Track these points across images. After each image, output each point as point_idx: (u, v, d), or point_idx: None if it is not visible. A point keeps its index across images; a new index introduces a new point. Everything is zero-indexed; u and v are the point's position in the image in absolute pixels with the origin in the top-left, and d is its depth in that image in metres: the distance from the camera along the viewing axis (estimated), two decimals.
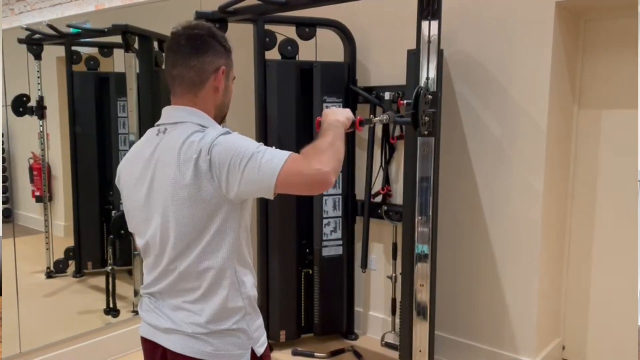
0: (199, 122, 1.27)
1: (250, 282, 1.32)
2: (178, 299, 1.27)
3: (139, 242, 1.35)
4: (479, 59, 2.76)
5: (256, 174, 1.15)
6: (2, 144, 2.97)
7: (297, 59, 3.07)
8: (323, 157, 1.20)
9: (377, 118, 1.75)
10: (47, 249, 3.16)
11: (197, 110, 1.28)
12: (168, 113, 1.32)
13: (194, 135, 1.22)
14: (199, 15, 2.78)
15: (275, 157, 1.16)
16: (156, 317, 1.30)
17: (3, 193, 2.98)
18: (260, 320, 1.35)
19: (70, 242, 3.27)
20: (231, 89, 1.37)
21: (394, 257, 3.09)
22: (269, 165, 1.15)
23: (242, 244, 1.30)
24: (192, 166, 1.19)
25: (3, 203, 2.96)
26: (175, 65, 1.28)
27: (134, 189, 1.32)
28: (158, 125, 1.33)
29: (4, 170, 3.00)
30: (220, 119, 1.35)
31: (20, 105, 2.93)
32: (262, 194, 1.20)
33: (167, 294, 1.29)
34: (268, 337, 1.40)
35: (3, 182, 3.00)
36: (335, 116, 1.38)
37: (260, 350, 1.32)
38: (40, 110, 3.01)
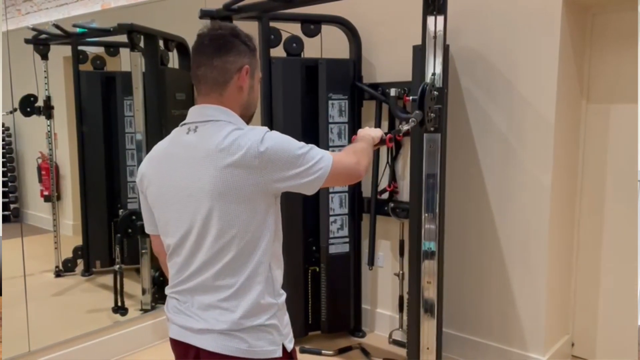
0: (231, 120, 1.28)
1: (280, 278, 1.34)
2: (211, 296, 1.26)
3: (168, 241, 1.33)
4: (486, 54, 2.74)
5: (309, 172, 1.25)
6: (10, 144, 2.99)
7: (302, 56, 3.06)
8: (358, 155, 1.42)
9: (406, 127, 1.86)
10: (56, 248, 3.19)
11: (226, 109, 1.29)
12: (197, 112, 1.31)
13: (234, 133, 1.22)
14: (204, 13, 2.78)
15: (324, 158, 1.28)
16: (186, 319, 1.29)
17: (11, 193, 3.00)
18: (287, 316, 1.37)
19: (79, 241, 3.29)
20: (257, 88, 1.37)
21: (401, 254, 3.08)
22: (321, 164, 1.27)
23: (277, 239, 1.32)
24: (236, 163, 1.19)
25: (12, 203, 2.99)
26: (199, 65, 1.29)
27: (162, 187, 1.31)
28: (186, 124, 1.32)
29: (12, 170, 3.03)
30: (246, 118, 1.35)
31: (27, 106, 2.95)
32: (306, 190, 1.29)
33: (200, 291, 1.27)
34: None
35: (11, 182, 3.02)
36: (368, 132, 1.66)
37: (290, 346, 1.33)
38: (47, 110, 3.03)
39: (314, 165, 1.25)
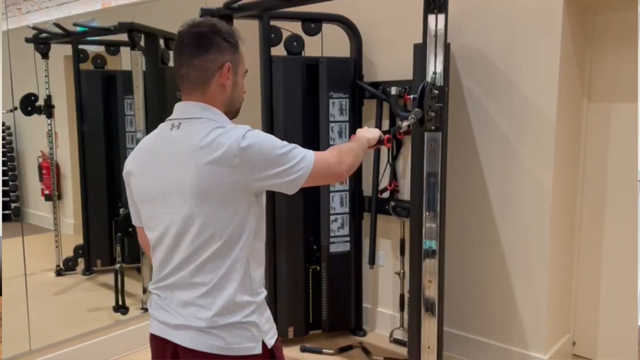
0: (214, 118, 1.28)
1: (260, 276, 1.34)
2: (188, 293, 1.26)
3: (150, 235, 1.34)
4: (487, 53, 2.74)
5: (289, 172, 1.25)
6: (11, 143, 2.99)
7: (302, 54, 3.06)
8: (342, 155, 1.41)
9: (405, 123, 1.81)
10: (57, 247, 3.18)
11: (210, 106, 1.29)
12: (181, 109, 1.32)
13: (216, 131, 1.22)
14: (204, 12, 2.78)
15: (306, 157, 1.28)
16: (165, 314, 1.30)
17: (12, 192, 3.00)
18: (268, 313, 1.36)
19: (80, 240, 3.29)
20: (241, 83, 1.37)
21: (402, 253, 3.08)
22: (302, 164, 1.26)
23: (258, 238, 1.31)
24: (217, 161, 1.19)
25: (12, 202, 2.99)
26: (180, 65, 1.30)
27: (145, 183, 1.32)
28: (171, 120, 1.32)
29: (13, 169, 3.03)
30: (231, 114, 1.35)
31: (28, 105, 2.94)
32: (287, 190, 1.29)
33: (178, 288, 1.28)
34: None
35: (12, 181, 3.02)
36: (364, 133, 1.65)
37: (270, 342, 1.32)
38: (48, 109, 3.03)
39: (295, 165, 1.26)
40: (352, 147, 1.50)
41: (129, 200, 1.42)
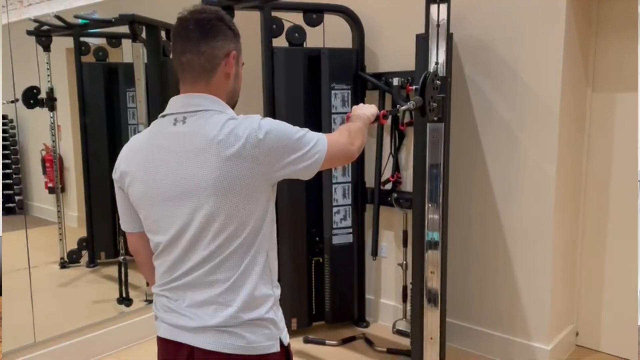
0: (223, 110, 1.23)
1: (277, 268, 1.32)
2: (205, 292, 1.21)
3: (157, 239, 1.26)
4: (490, 43, 2.72)
5: (305, 157, 1.24)
6: (14, 137, 3.00)
7: (304, 45, 3.04)
8: (352, 136, 1.41)
9: (404, 107, 1.77)
10: (61, 239, 3.20)
11: (215, 97, 1.24)
12: (183, 101, 1.24)
13: (230, 123, 1.18)
14: (206, 3, 2.76)
15: (320, 141, 1.27)
16: (178, 317, 1.24)
17: (16, 185, 3.01)
18: (281, 310, 1.34)
19: (83, 233, 3.30)
20: (241, 74, 1.33)
21: (405, 245, 3.08)
22: (317, 148, 1.26)
23: (274, 228, 1.29)
24: (237, 154, 1.15)
25: (16, 195, 3.00)
26: (184, 51, 1.23)
27: (149, 183, 1.23)
28: (171, 114, 1.25)
29: (16, 162, 3.03)
30: (231, 106, 1.30)
31: (30, 98, 2.94)
32: (304, 175, 1.27)
33: (193, 288, 1.22)
34: None
35: (16, 174, 3.03)
36: (362, 110, 1.62)
37: (285, 339, 1.30)
38: (50, 102, 3.03)
39: (311, 149, 1.24)
40: (359, 126, 1.48)
41: (121, 205, 1.34)
